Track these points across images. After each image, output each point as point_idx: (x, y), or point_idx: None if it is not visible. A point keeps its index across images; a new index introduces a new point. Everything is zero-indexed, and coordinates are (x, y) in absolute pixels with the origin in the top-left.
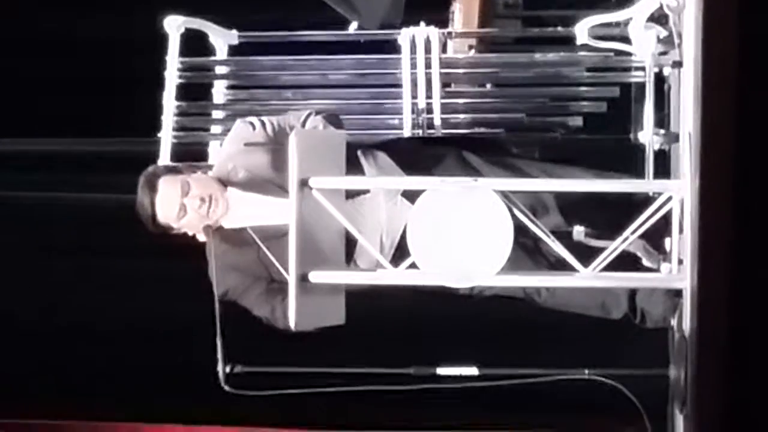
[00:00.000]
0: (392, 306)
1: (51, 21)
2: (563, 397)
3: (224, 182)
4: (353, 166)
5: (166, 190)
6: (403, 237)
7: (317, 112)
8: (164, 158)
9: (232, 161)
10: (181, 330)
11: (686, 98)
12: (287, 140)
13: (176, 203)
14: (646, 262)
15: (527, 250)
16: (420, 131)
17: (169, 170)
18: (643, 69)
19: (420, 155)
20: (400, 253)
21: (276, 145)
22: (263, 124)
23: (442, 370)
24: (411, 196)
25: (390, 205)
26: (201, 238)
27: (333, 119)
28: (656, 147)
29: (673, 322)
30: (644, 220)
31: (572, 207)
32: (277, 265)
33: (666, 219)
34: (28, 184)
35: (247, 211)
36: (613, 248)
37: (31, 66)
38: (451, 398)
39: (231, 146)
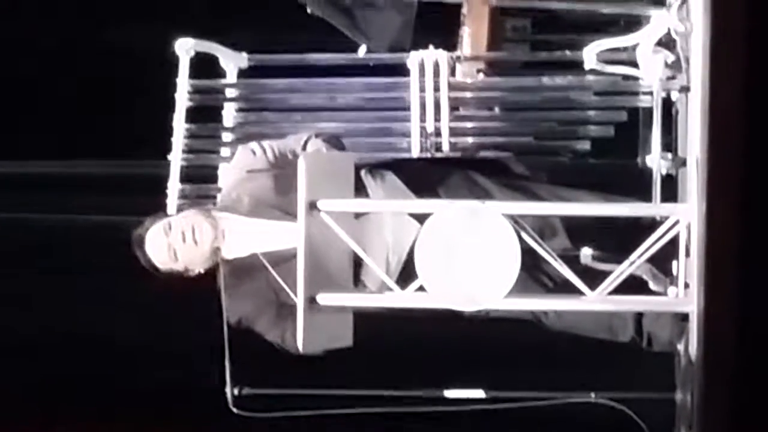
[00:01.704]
0: (400, 328)
1: (60, 43)
2: (570, 420)
3: (229, 211)
4: (356, 187)
5: (150, 239)
6: (409, 255)
7: (317, 135)
8: (174, 180)
9: (236, 190)
10: (190, 352)
11: (693, 123)
12: (289, 165)
13: (163, 245)
14: (652, 286)
15: (534, 273)
16: (428, 154)
17: (153, 221)
18: (650, 93)
19: (428, 176)
20: (406, 271)
21: (278, 170)
22: (264, 150)
23: (449, 393)
24: (418, 214)
25: (396, 224)
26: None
27: (334, 141)
28: (663, 171)
29: (680, 346)
30: (651, 244)
31: (580, 230)
32: (286, 288)
33: (673, 243)
34: (38, 205)
35: (252, 238)
36: (620, 272)
37: (39, 89)
38: (458, 421)
39: (233, 174)
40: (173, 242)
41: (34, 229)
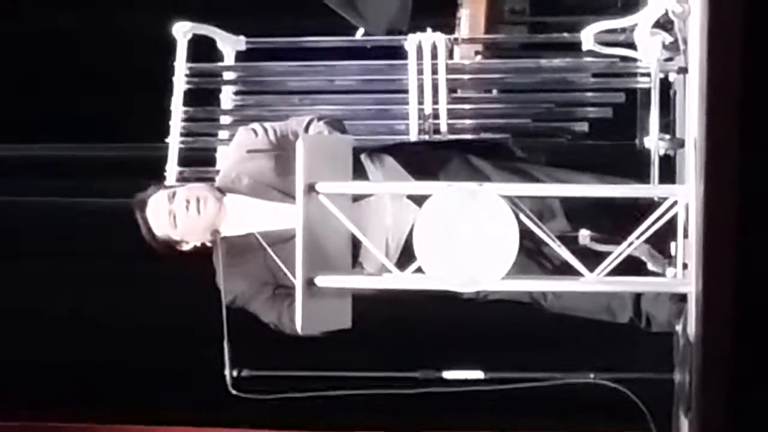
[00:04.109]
0: (398, 310)
1: (59, 26)
2: (568, 400)
3: (228, 190)
4: (356, 171)
5: (153, 203)
6: (408, 239)
7: (320, 118)
8: (172, 163)
9: (236, 169)
10: (188, 333)
11: (691, 104)
12: (290, 146)
13: (165, 211)
14: (651, 267)
15: (532, 255)
16: (426, 136)
17: (157, 189)
18: (648, 75)
19: (426, 159)
20: (406, 254)
21: (279, 151)
22: (265, 130)
23: (447, 374)
24: (416, 197)
25: (395, 207)
26: (207, 238)
27: (336, 124)
28: (662, 152)
29: (678, 327)
30: (649, 225)
31: (578, 212)
32: (284, 269)
33: (671, 224)
34: (36, 189)
35: (251, 217)
36: (618, 253)
37: (37, 72)
38: (456, 402)
39: (234, 154)
40: (175, 209)
41: (30, 212)
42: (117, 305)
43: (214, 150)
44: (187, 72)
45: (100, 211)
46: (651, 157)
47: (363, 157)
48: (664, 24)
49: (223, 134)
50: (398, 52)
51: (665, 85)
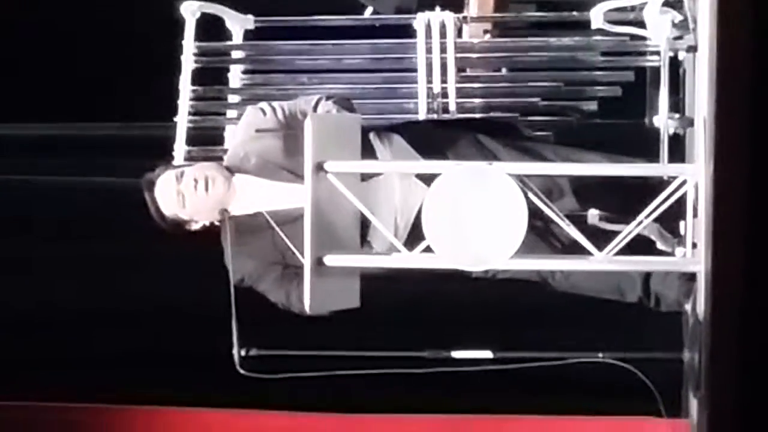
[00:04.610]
0: (406, 289)
1: (67, 3)
2: (577, 380)
3: (236, 170)
4: (365, 149)
5: (162, 183)
6: (417, 218)
7: (328, 97)
8: (180, 142)
9: (244, 148)
10: (197, 313)
11: (701, 83)
12: (298, 125)
13: (173, 191)
14: (660, 246)
15: (541, 234)
16: (435, 115)
17: (165, 168)
18: (658, 53)
19: (435, 138)
20: (414, 234)
21: (287, 130)
22: (274, 110)
23: (456, 354)
24: (425, 176)
25: (404, 186)
26: (216, 217)
27: (344, 103)
28: (671, 131)
29: (687, 306)
30: (658, 204)
31: (587, 191)
32: (293, 248)
33: (680, 203)
34: (43, 167)
35: (259, 196)
36: (627, 232)
37: (45, 50)
38: (465, 382)
39: (242, 133)
40: (183, 189)
41: (36, 191)
42: (124, 285)
43: (223, 129)
44: (196, 51)
45: (108, 191)
46: (660, 136)
47: (371, 136)
48: (673, 2)
49: (231, 113)
50: (407, 31)
51: (675, 64)
